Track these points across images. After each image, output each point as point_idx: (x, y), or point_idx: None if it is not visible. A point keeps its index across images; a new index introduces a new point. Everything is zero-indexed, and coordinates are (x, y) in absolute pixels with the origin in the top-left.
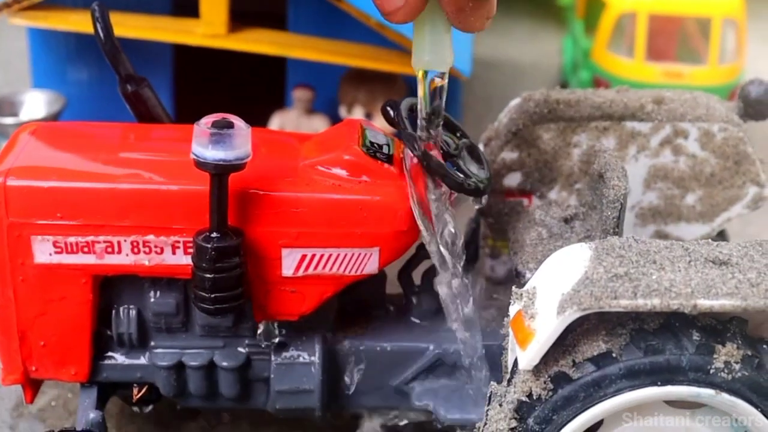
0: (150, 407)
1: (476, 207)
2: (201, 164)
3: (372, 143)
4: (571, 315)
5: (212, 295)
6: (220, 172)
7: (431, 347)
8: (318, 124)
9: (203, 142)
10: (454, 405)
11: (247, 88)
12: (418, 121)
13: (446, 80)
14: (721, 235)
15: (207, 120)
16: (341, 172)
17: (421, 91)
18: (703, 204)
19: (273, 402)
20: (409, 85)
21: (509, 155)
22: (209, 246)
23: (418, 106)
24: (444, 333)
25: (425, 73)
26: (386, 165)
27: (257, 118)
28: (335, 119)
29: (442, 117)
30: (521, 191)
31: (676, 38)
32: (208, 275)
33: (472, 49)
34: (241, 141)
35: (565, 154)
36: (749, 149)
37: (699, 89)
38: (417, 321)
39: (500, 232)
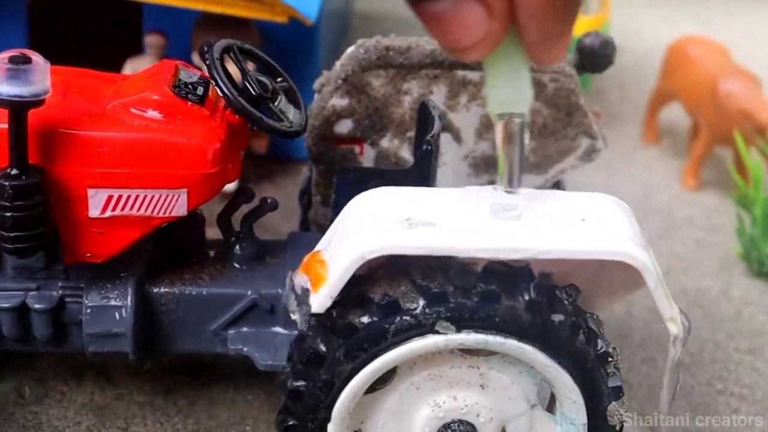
0: None
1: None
2: None
3: (185, 83)
4: (358, 260)
5: (12, 234)
6: (17, 109)
7: (249, 292)
8: None
9: None
10: (269, 351)
11: (106, 34)
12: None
13: (527, 123)
14: (558, 186)
15: (4, 55)
16: (150, 113)
17: (499, 137)
18: (536, 155)
19: (86, 345)
20: (261, 30)
21: (339, 102)
22: (7, 184)
23: (499, 159)
24: (262, 278)
25: (504, 116)
26: (196, 106)
27: (114, 64)
28: None
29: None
30: (352, 138)
31: None
32: (8, 214)
33: None
34: (39, 77)
35: (396, 101)
36: (581, 101)
37: None
38: (236, 266)
39: (332, 179)
